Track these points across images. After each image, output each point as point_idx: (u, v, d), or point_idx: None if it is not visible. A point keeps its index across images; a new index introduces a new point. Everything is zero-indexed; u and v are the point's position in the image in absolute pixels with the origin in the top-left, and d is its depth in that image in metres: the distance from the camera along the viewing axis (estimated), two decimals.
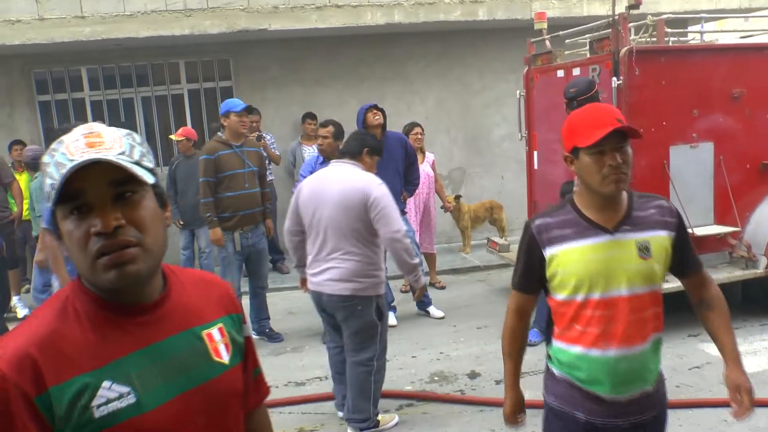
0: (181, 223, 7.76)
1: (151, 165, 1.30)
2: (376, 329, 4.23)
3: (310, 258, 4.27)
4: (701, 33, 6.73)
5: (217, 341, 1.40)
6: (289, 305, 7.41)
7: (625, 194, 2.20)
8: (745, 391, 2.18)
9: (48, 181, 1.23)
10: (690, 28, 8.94)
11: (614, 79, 5.43)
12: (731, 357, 2.24)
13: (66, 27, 7.93)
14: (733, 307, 5.21)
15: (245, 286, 6.37)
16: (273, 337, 6.30)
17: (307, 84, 9.42)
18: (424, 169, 7.25)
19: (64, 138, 1.26)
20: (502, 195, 9.68)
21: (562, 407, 2.28)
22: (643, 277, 2.14)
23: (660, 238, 2.17)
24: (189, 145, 7.65)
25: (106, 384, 1.20)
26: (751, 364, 4.89)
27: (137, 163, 1.24)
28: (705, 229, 5.68)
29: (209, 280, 1.51)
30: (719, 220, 5.81)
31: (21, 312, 7.47)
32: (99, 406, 1.18)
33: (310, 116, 8.68)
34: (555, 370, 2.32)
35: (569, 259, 2.15)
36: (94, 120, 9.23)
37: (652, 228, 2.17)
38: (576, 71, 6.07)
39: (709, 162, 5.75)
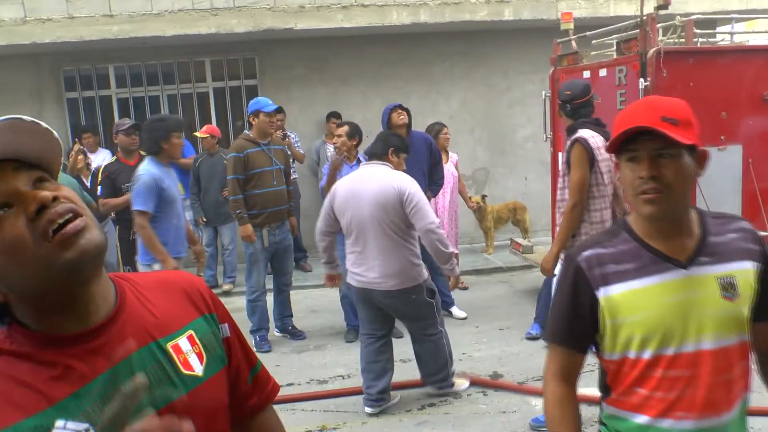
0: (204, 220, 7.81)
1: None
2: (432, 306, 4.59)
3: (353, 257, 4.51)
4: (731, 34, 6.64)
5: (186, 352, 1.24)
6: (311, 303, 7.45)
7: (694, 215, 1.73)
8: None
9: None
10: (719, 29, 8.83)
11: (641, 80, 5.38)
12: None
13: (95, 25, 8.03)
14: None
15: (269, 284, 6.41)
16: (296, 334, 6.33)
17: (332, 83, 9.45)
18: (449, 169, 7.16)
19: None
20: (526, 196, 9.62)
21: None
22: (729, 323, 1.64)
23: (746, 272, 1.68)
24: (213, 143, 7.70)
25: (59, 423, 1.07)
26: None
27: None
28: None
29: (174, 280, 1.35)
30: None
31: None
32: None
33: (334, 115, 8.71)
34: None
35: (634, 304, 1.66)
36: (121, 117, 9.35)
37: (735, 258, 1.68)
38: (602, 72, 6.02)
39: (737, 165, 5.68)
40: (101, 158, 7.75)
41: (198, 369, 1.25)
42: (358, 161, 5.81)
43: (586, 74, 6.26)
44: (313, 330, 6.53)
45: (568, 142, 4.62)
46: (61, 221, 1.08)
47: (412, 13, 8.62)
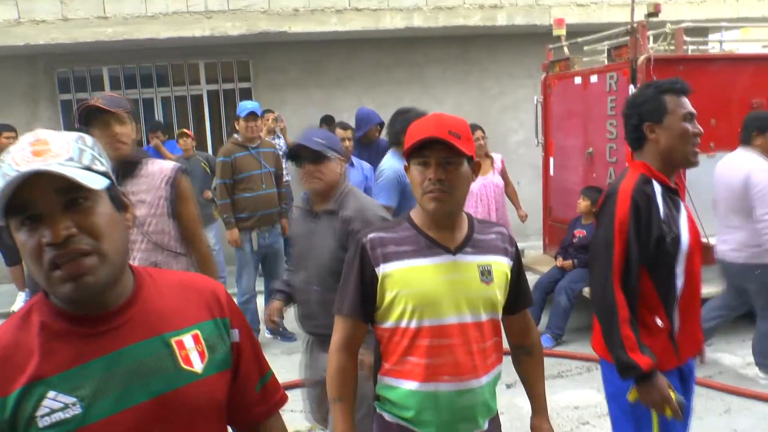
0: None
1: (104, 168, 1.24)
2: None
3: None
4: (721, 42, 6.70)
5: (189, 348, 1.32)
6: None
7: (465, 216, 2.04)
8: None
9: None
10: (710, 37, 8.90)
11: (631, 86, 5.43)
12: (541, 408, 2.22)
13: (89, 27, 8.04)
14: (748, 317, 5.21)
15: (260, 285, 6.42)
16: (286, 336, 6.35)
17: (326, 86, 9.47)
18: (491, 180, 6.13)
19: (12, 147, 1.21)
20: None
21: None
22: (485, 302, 1.96)
23: (501, 264, 2.01)
24: (190, 145, 7.61)
25: (51, 394, 1.18)
26: (764, 375, 4.90)
27: (88, 168, 1.19)
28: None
29: (194, 284, 1.43)
30: None
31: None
32: (42, 416, 1.17)
33: (327, 119, 8.71)
34: (385, 414, 2.05)
35: (409, 279, 1.92)
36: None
37: (494, 252, 2.01)
38: (593, 78, 6.07)
39: None
40: None
41: (198, 366, 1.32)
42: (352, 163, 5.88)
43: (578, 80, 6.32)
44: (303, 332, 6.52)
45: None
46: (65, 259, 1.15)
47: (406, 18, 8.66)
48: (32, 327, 1.23)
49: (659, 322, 2.50)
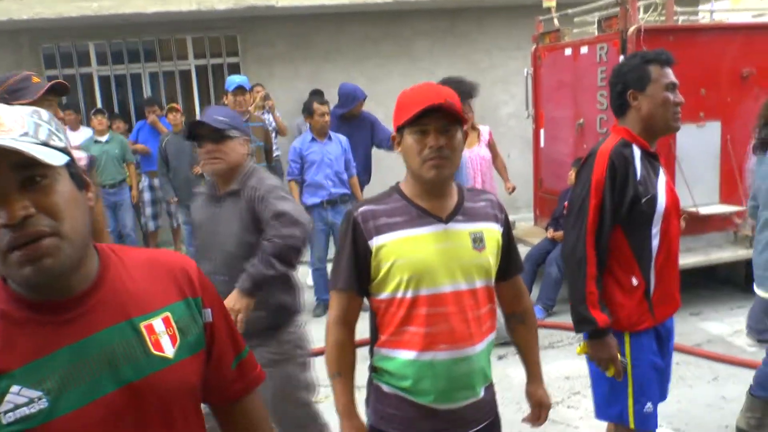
0: (175, 199, 7.77)
1: (62, 144, 1.15)
2: None
3: None
4: (711, 12, 6.68)
5: (159, 333, 1.25)
6: None
7: (454, 185, 2.05)
8: (545, 408, 2.28)
9: None
10: (701, 7, 8.87)
11: (621, 57, 5.40)
12: (536, 374, 2.28)
13: (74, 2, 7.94)
14: (736, 286, 5.26)
15: None
16: None
17: (314, 60, 9.41)
18: (479, 152, 6.12)
19: None
20: (509, 173, 9.66)
21: (392, 430, 2.04)
22: (479, 270, 1.98)
23: (492, 231, 2.03)
24: (179, 120, 7.59)
25: (14, 389, 1.10)
26: (750, 343, 4.98)
27: (45, 144, 1.11)
28: (710, 208, 5.70)
29: (162, 261, 1.35)
30: (725, 199, 5.81)
31: None
32: (6, 412, 1.09)
33: (317, 93, 8.65)
34: (383, 386, 2.05)
35: (403, 249, 1.93)
36: (102, 95, 9.28)
37: (484, 219, 2.02)
38: (584, 50, 6.05)
39: (715, 141, 5.74)
40: (82, 136, 7.70)
41: (169, 351, 1.25)
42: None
43: (568, 52, 6.30)
44: None
45: None
46: (23, 241, 1.07)
47: None
48: None
49: (634, 280, 2.61)
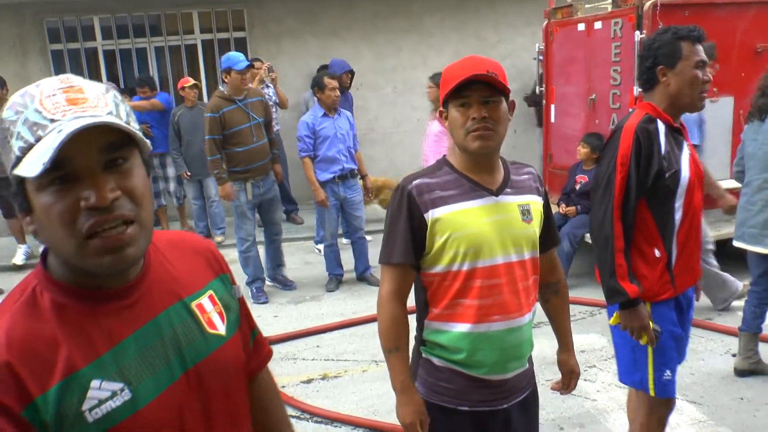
0: (188, 174, 7.79)
1: (137, 126, 1.10)
2: None
3: None
4: None
5: (210, 311, 1.24)
6: (304, 256, 7.51)
7: (499, 159, 2.07)
8: (575, 377, 2.32)
9: (16, 144, 1.00)
10: None
11: (637, 32, 5.40)
12: (568, 343, 2.32)
13: None
14: (743, 260, 5.31)
15: (260, 236, 6.44)
16: (286, 284, 6.44)
17: (323, 36, 9.35)
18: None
19: (31, 90, 1.04)
20: (516, 149, 9.65)
21: (443, 403, 2.05)
22: (527, 241, 2.01)
23: (536, 203, 2.07)
24: (194, 94, 7.64)
25: (95, 384, 1.04)
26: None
27: (127, 124, 1.05)
28: (723, 183, 5.70)
29: (190, 241, 1.34)
30: None
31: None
32: (91, 409, 1.03)
33: (326, 68, 8.64)
34: (434, 359, 2.07)
35: (459, 222, 1.94)
36: (108, 70, 9.23)
37: (529, 192, 2.06)
38: (597, 25, 6.03)
39: (728, 116, 5.76)
40: None
41: (221, 328, 1.25)
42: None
43: (581, 27, 6.27)
44: (308, 281, 6.60)
45: None
46: (107, 227, 1.03)
47: None
48: (45, 312, 1.06)
49: (657, 252, 2.68)
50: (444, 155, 2.10)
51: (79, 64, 9.15)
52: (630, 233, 2.64)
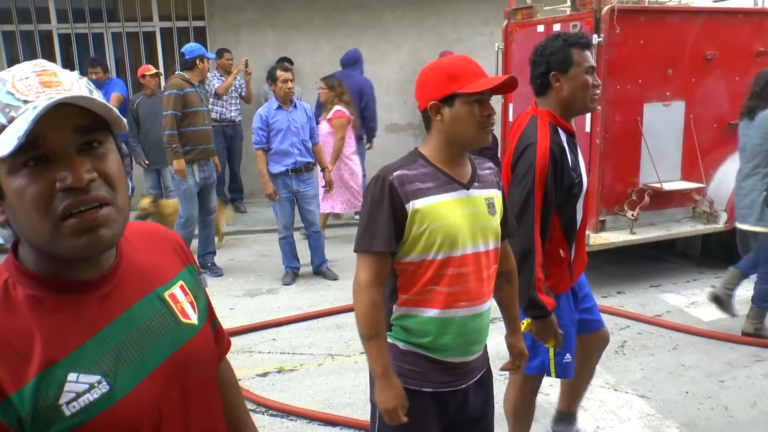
0: (146, 162, 7.68)
1: (114, 113, 1.09)
2: None
3: None
4: None
5: (182, 301, 1.24)
6: (260, 248, 7.48)
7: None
8: (524, 358, 2.43)
9: None
10: None
11: (595, 36, 5.52)
12: (516, 328, 2.43)
13: None
14: (692, 259, 5.49)
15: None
16: (214, 271, 6.57)
17: (282, 28, 9.31)
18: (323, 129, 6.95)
19: (2, 74, 1.02)
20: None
21: (407, 385, 2.10)
22: (492, 233, 2.12)
23: (498, 197, 2.18)
24: (155, 83, 7.60)
25: (72, 377, 1.02)
26: (706, 314, 5.20)
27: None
28: (672, 184, 5.90)
29: (158, 232, 1.33)
30: (686, 176, 6.02)
31: None
32: (68, 402, 1.01)
33: (285, 61, 8.60)
34: (399, 343, 2.14)
35: (436, 213, 2.02)
36: (62, 54, 9.02)
37: (492, 186, 2.17)
38: (556, 27, 6.13)
39: (679, 120, 5.92)
40: None
41: (194, 318, 1.25)
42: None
43: (540, 29, 6.38)
44: (265, 274, 6.58)
45: None
46: (83, 208, 1.02)
47: None
48: (19, 305, 1.04)
49: (562, 252, 2.86)
50: (416, 147, 2.16)
51: (32, 48, 8.92)
52: (544, 245, 2.77)
